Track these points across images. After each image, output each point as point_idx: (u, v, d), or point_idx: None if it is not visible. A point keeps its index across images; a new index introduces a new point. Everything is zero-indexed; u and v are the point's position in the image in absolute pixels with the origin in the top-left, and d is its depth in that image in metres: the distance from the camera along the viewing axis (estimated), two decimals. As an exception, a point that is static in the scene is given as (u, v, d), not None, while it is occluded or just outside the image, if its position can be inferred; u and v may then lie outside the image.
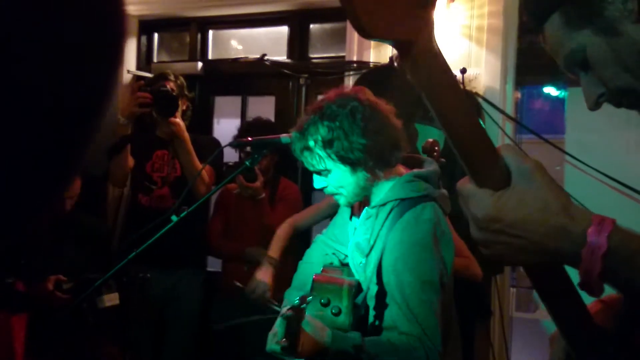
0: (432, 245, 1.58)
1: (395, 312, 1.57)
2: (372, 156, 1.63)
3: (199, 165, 2.84)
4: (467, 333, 2.85)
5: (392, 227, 1.61)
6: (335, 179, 1.67)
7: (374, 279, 1.62)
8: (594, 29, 0.83)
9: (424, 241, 1.58)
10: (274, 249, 2.43)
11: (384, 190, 1.68)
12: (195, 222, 2.82)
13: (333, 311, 1.57)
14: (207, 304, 3.15)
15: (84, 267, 2.50)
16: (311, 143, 1.65)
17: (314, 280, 1.67)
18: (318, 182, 1.71)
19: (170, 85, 2.89)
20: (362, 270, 1.68)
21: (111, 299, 2.15)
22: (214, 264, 3.62)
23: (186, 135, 2.83)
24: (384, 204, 1.66)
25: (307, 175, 3.70)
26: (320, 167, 1.66)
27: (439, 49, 0.69)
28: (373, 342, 1.50)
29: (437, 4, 3.27)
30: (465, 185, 0.75)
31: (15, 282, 2.41)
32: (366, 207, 1.74)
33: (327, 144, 1.62)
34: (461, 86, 0.71)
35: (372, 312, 1.64)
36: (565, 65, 0.90)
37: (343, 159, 1.63)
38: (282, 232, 2.50)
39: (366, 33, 0.63)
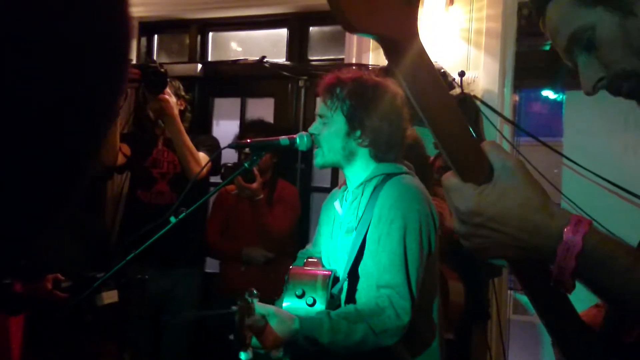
0: (419, 196, 1.67)
1: (367, 273, 1.63)
2: (373, 135, 1.73)
3: (189, 143, 2.84)
4: (464, 335, 2.86)
5: (378, 195, 1.68)
6: (328, 131, 1.76)
7: (354, 253, 1.66)
8: (607, 7, 0.82)
9: (411, 191, 1.67)
10: None
11: (367, 171, 1.76)
12: (193, 223, 2.83)
13: (308, 302, 1.62)
14: (205, 304, 3.15)
15: (81, 266, 2.50)
16: (342, 93, 1.75)
17: (289, 273, 1.72)
18: (313, 127, 1.82)
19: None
20: (347, 252, 1.71)
21: (110, 297, 2.14)
22: (211, 265, 3.62)
23: (175, 112, 2.83)
24: (369, 180, 1.74)
25: (306, 177, 3.72)
26: (329, 111, 1.76)
27: (422, 45, 0.69)
28: (340, 314, 1.54)
29: (436, 7, 3.28)
30: (450, 178, 0.75)
31: (13, 283, 2.41)
32: (352, 189, 1.80)
33: (350, 96, 1.73)
34: (443, 81, 0.71)
35: (347, 290, 1.68)
36: (568, 46, 0.88)
37: (352, 116, 1.73)
38: None
39: (350, 27, 0.62)
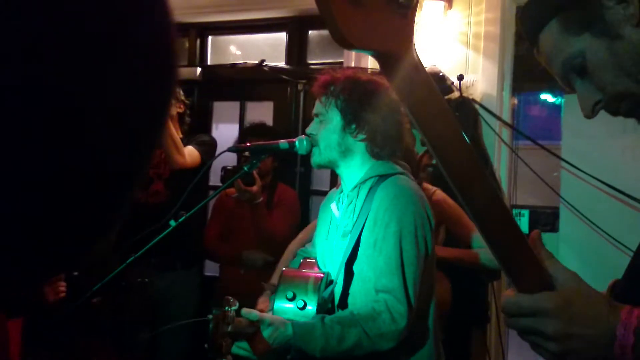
0: (414, 198, 1.66)
1: (364, 277, 1.63)
2: (368, 128, 1.73)
3: (173, 132, 2.86)
4: (463, 338, 2.86)
5: (373, 198, 1.67)
6: (325, 128, 1.76)
7: (347, 256, 1.66)
8: (594, 33, 0.84)
9: (405, 193, 1.66)
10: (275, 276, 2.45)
11: (362, 171, 1.75)
12: (190, 225, 2.83)
13: (298, 305, 1.62)
14: (204, 307, 3.15)
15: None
16: (335, 89, 1.75)
17: (281, 275, 1.73)
18: (310, 127, 1.82)
19: None
20: (340, 255, 1.71)
21: None
22: (211, 269, 3.62)
23: None
24: (364, 182, 1.73)
25: (305, 180, 3.72)
26: (323, 108, 1.76)
27: (419, 60, 0.68)
28: (334, 319, 1.54)
29: (435, 11, 3.28)
30: (515, 297, 0.79)
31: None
32: (347, 192, 1.79)
33: (344, 91, 1.74)
34: (443, 97, 0.72)
35: (340, 293, 1.68)
36: (562, 72, 0.90)
37: (346, 110, 1.73)
38: (285, 257, 2.48)
39: (346, 43, 0.61)
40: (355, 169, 1.76)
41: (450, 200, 2.43)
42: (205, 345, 1.45)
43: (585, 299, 0.76)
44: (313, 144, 1.80)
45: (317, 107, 1.79)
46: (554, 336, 0.76)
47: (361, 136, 1.73)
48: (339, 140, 1.74)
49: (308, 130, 1.81)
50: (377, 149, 1.74)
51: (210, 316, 1.46)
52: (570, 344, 0.76)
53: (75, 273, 2.21)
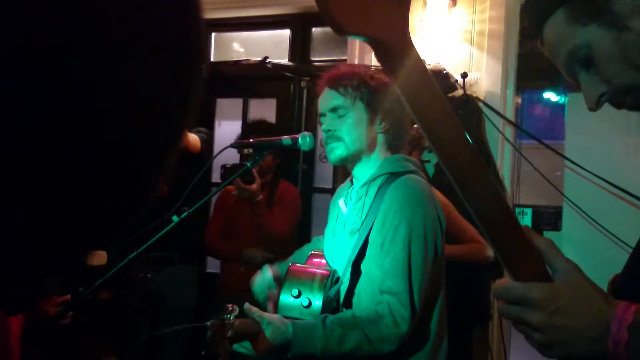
0: (425, 200, 1.64)
1: (371, 276, 1.61)
2: (390, 120, 1.72)
3: None
4: (465, 337, 2.85)
5: (383, 198, 1.65)
6: (350, 121, 1.71)
7: (354, 256, 1.64)
8: (601, 24, 0.83)
9: (416, 195, 1.64)
10: None
11: (373, 168, 1.73)
12: (191, 220, 2.84)
13: (303, 303, 1.61)
14: (205, 304, 3.15)
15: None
16: (355, 82, 1.72)
17: (288, 270, 1.71)
18: (327, 123, 1.75)
19: None
20: (348, 253, 1.70)
21: (99, 259, 2.08)
22: (212, 265, 3.63)
23: None
24: (374, 179, 1.71)
25: (308, 178, 3.72)
26: (345, 101, 1.71)
27: (414, 48, 0.68)
28: (335, 321, 1.53)
29: (439, 8, 3.26)
30: (507, 283, 0.78)
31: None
32: (356, 189, 1.77)
33: (365, 84, 1.71)
34: (437, 84, 0.72)
35: (345, 292, 1.67)
36: (567, 63, 0.88)
37: (371, 104, 1.71)
38: None
39: (340, 29, 0.61)
40: (369, 164, 1.74)
41: (444, 199, 2.42)
42: (202, 353, 1.45)
43: (576, 292, 0.75)
44: (327, 141, 1.75)
45: (335, 101, 1.73)
46: (539, 327, 0.76)
47: (384, 128, 1.73)
48: (366, 133, 1.72)
49: (325, 126, 1.75)
50: (393, 140, 1.75)
51: (208, 324, 1.46)
52: (555, 335, 0.75)
53: (81, 288, 2.22)
